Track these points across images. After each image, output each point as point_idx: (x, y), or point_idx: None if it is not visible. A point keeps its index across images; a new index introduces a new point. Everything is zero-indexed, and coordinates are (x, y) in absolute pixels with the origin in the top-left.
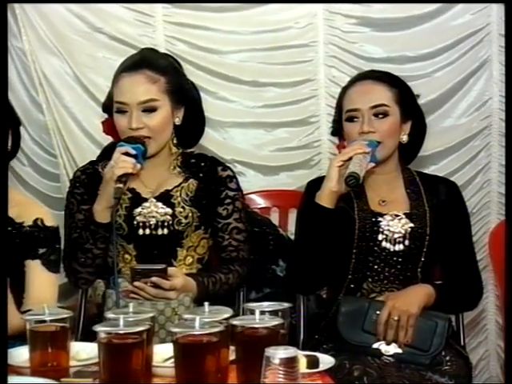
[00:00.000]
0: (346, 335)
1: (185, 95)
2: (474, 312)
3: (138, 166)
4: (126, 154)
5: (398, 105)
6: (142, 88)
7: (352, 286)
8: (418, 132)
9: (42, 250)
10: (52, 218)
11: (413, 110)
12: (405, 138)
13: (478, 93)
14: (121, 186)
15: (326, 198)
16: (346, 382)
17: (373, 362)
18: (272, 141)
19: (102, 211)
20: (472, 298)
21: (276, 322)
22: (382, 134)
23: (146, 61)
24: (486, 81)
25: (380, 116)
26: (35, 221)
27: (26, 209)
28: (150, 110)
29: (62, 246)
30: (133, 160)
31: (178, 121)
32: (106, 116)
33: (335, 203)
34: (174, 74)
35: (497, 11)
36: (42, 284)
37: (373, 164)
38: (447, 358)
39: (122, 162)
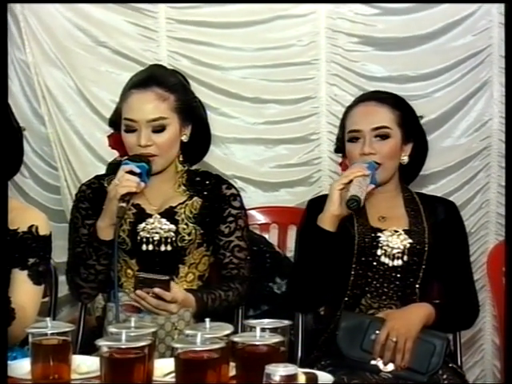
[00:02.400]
0: (345, 350)
1: (193, 113)
2: (470, 332)
3: (142, 184)
4: (131, 172)
5: (400, 127)
6: (152, 106)
7: (350, 301)
8: (420, 153)
9: (31, 260)
10: (47, 224)
11: (415, 131)
12: (405, 159)
13: (478, 113)
14: (124, 205)
15: (328, 222)
16: None
17: (371, 378)
18: (272, 157)
19: (105, 228)
20: (468, 317)
21: (276, 340)
22: (382, 155)
23: (155, 78)
24: (486, 102)
25: (381, 138)
26: (30, 228)
27: (20, 214)
28: (159, 127)
29: (54, 257)
30: (137, 179)
31: (185, 138)
32: (108, 130)
33: (337, 226)
34: (183, 91)
35: (498, 33)
36: (25, 296)
37: (373, 186)
38: (444, 376)
39: (125, 181)
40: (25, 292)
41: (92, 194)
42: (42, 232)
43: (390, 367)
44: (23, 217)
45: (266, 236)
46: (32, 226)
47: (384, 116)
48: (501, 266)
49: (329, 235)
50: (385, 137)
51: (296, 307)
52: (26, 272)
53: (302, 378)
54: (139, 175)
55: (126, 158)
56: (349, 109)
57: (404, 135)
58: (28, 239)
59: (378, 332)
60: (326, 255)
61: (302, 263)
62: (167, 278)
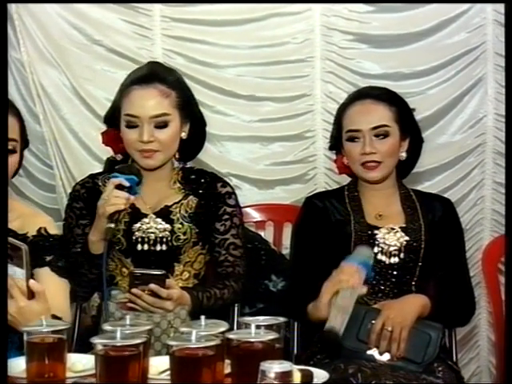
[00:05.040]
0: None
1: (192, 110)
2: (466, 328)
3: (132, 197)
4: (120, 186)
5: (398, 124)
6: (154, 102)
7: None
8: (415, 147)
9: (49, 258)
10: (55, 226)
11: (410, 125)
12: (404, 155)
13: (472, 110)
14: (111, 225)
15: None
16: (340, 380)
17: (367, 364)
18: (268, 155)
19: (96, 243)
20: (464, 314)
21: (271, 337)
22: (382, 154)
23: (156, 74)
24: (480, 98)
25: (381, 137)
26: (39, 230)
27: (28, 220)
28: (162, 123)
29: None
30: (125, 194)
31: (184, 135)
32: (101, 127)
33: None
34: (184, 88)
35: (492, 30)
36: (55, 290)
37: (364, 290)
38: (439, 368)
39: (113, 198)
40: (54, 286)
41: (86, 194)
42: (52, 231)
43: (386, 357)
44: (31, 222)
45: (262, 233)
46: (40, 228)
47: (382, 114)
48: (496, 263)
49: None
50: (384, 135)
51: (294, 319)
52: (47, 268)
53: (297, 375)
54: (129, 188)
55: (114, 169)
56: (344, 107)
57: (401, 131)
58: (40, 241)
59: (373, 322)
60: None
61: (298, 284)
62: (163, 272)
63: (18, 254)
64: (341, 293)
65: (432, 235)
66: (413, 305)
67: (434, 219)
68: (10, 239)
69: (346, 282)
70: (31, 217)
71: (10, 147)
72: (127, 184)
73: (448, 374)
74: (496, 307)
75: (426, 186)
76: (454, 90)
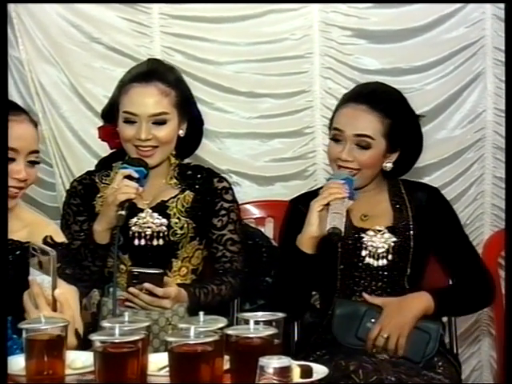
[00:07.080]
0: (340, 338)
1: (190, 109)
2: (467, 323)
3: (140, 189)
4: (129, 177)
5: (386, 138)
6: (154, 100)
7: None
8: (410, 156)
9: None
10: (60, 233)
11: (405, 137)
12: (389, 166)
13: (471, 105)
14: (123, 213)
15: (306, 244)
16: (342, 377)
17: (368, 360)
18: (267, 151)
19: (101, 232)
20: (483, 294)
21: (270, 332)
22: (360, 163)
23: (156, 73)
24: (480, 93)
25: (362, 147)
26: (45, 239)
27: (36, 229)
28: (160, 122)
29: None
30: (135, 184)
31: (182, 133)
32: (100, 125)
33: (316, 247)
34: (183, 87)
35: (491, 24)
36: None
37: (351, 202)
38: (439, 363)
39: (124, 188)
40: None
41: (83, 190)
42: (59, 239)
43: (385, 356)
44: (39, 231)
45: (262, 230)
46: (46, 236)
47: (369, 125)
48: (496, 257)
49: (307, 257)
50: (366, 147)
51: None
52: None
53: (296, 370)
54: (137, 180)
55: (124, 161)
56: (340, 105)
57: (389, 145)
58: None
59: (373, 320)
60: (305, 274)
61: (282, 279)
62: (160, 271)
63: (47, 260)
64: (333, 204)
65: (420, 227)
66: (414, 309)
67: (420, 209)
68: (39, 245)
69: (338, 194)
70: (38, 226)
71: (34, 159)
72: (136, 175)
73: (448, 369)
74: (497, 301)
75: (425, 181)
76: (452, 85)
